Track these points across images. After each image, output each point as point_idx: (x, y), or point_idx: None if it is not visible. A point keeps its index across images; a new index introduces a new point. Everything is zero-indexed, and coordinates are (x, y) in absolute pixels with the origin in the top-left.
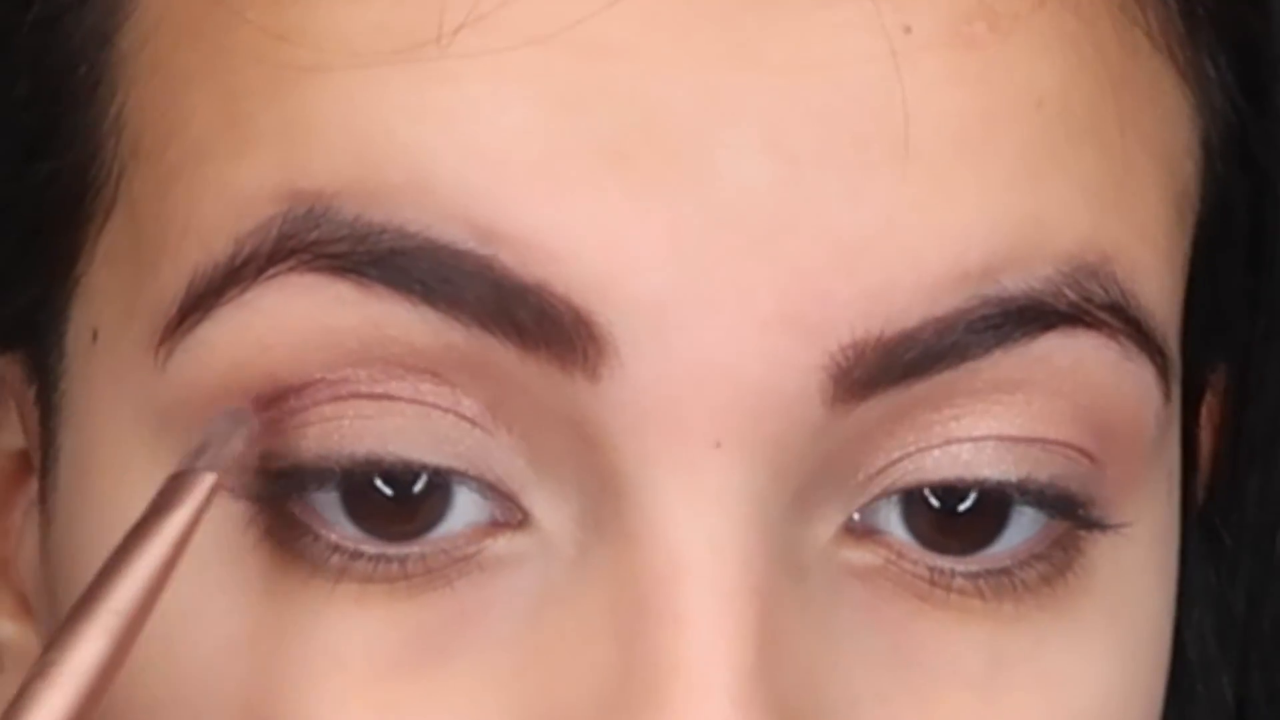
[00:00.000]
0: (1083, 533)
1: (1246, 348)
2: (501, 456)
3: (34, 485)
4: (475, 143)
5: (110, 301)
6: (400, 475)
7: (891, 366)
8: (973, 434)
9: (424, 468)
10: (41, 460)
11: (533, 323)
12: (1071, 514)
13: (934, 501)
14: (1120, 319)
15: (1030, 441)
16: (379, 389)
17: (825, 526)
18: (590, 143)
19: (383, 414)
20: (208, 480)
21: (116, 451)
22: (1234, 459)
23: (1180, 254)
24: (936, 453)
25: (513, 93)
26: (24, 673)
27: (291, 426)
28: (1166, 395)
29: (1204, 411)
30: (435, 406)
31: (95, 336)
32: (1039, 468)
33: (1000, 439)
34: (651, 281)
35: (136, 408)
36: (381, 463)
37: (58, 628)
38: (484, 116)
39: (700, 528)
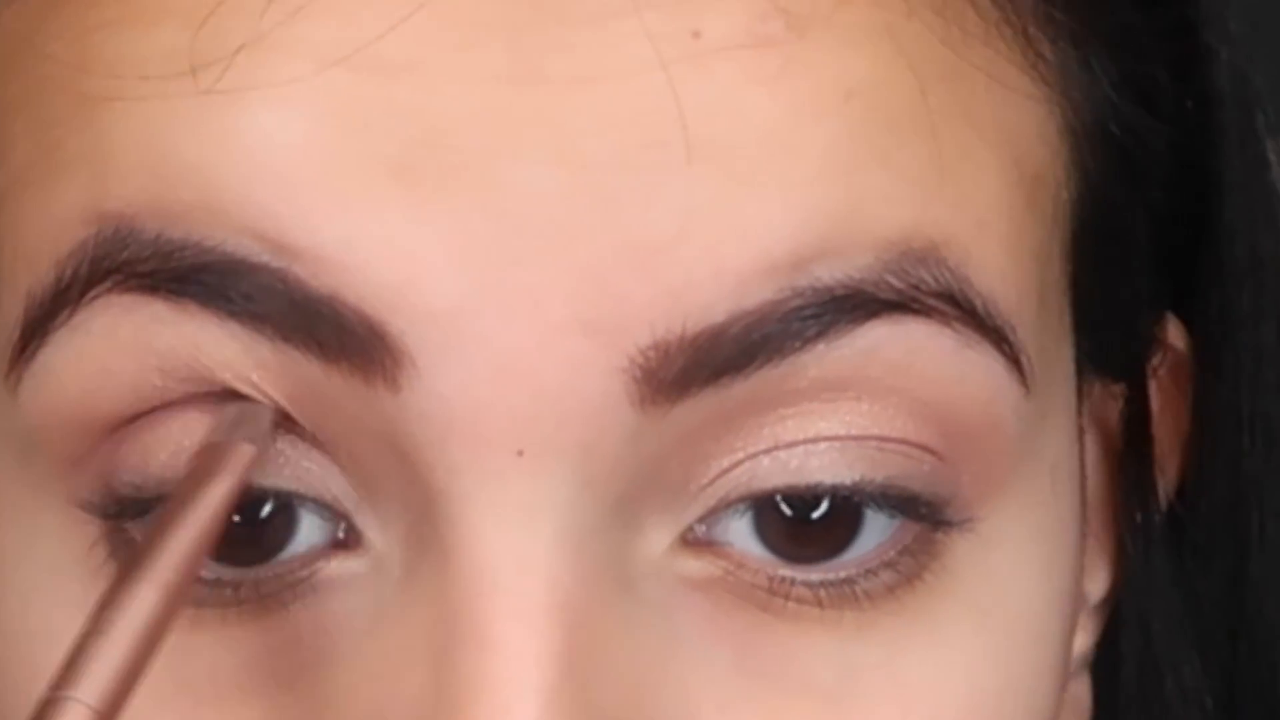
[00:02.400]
0: (939, 535)
1: (1204, 327)
2: (336, 478)
3: None
4: (258, 160)
5: None
6: (246, 499)
7: (702, 365)
8: (803, 436)
9: (265, 493)
10: None
11: (330, 334)
12: (917, 514)
13: (785, 510)
14: (954, 305)
15: (863, 440)
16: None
17: (658, 537)
18: (373, 158)
19: None
20: (248, 453)
21: None
22: (1200, 441)
23: (1032, 240)
24: (766, 460)
25: (294, 111)
26: None
27: (137, 448)
28: (1024, 385)
29: (1159, 396)
30: (276, 426)
31: None
32: (875, 469)
33: (833, 439)
34: (441, 290)
35: (3, 437)
36: None
37: (108, 589)
38: (266, 135)
39: (507, 543)
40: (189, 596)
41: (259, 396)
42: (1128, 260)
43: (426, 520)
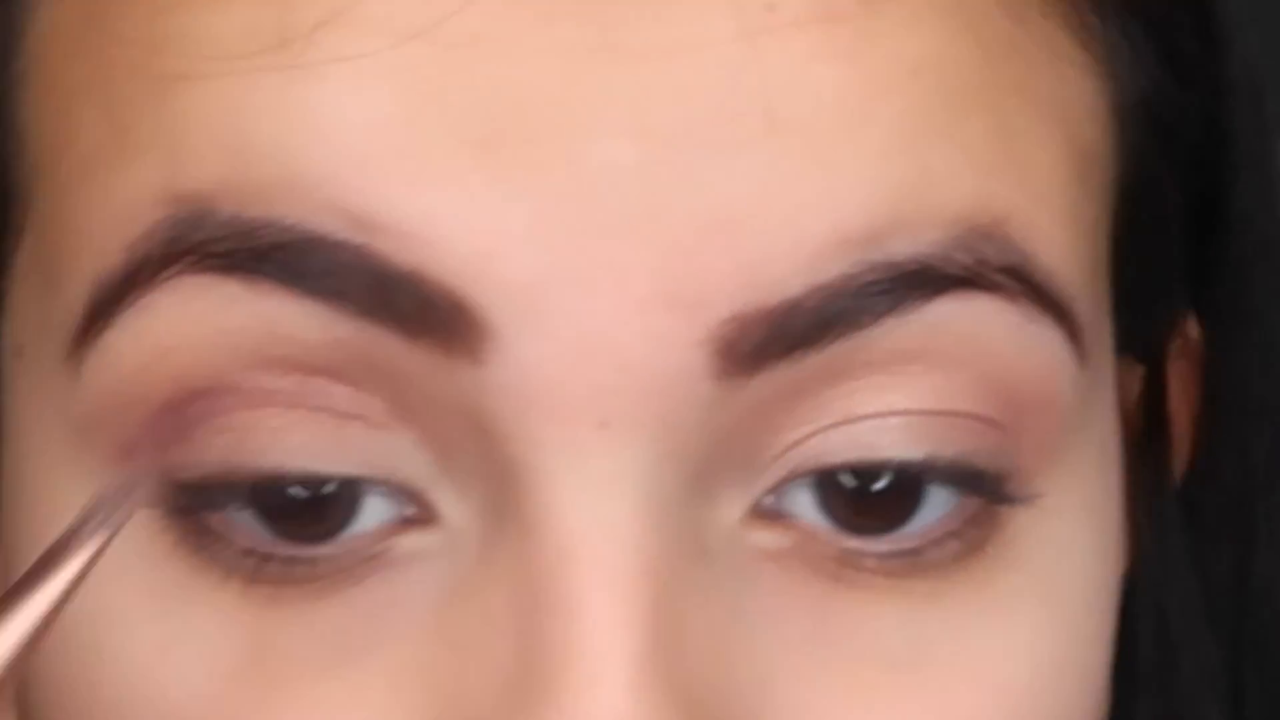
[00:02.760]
0: (1001, 508)
1: (1215, 316)
2: (408, 457)
3: None
4: (338, 136)
5: (29, 318)
6: (308, 482)
7: (778, 338)
8: (873, 409)
9: (332, 478)
10: None
11: (413, 310)
12: (981, 489)
13: (847, 482)
14: (1018, 281)
15: (933, 415)
16: (285, 397)
17: (730, 509)
18: (453, 132)
19: (291, 425)
20: (94, 543)
21: (40, 464)
22: (1210, 428)
23: (1086, 217)
24: (838, 434)
25: (374, 87)
26: None
27: (200, 436)
28: (1081, 360)
29: (1174, 382)
30: (345, 415)
31: (20, 353)
32: (944, 445)
33: (904, 414)
34: (523, 262)
35: (56, 420)
36: (288, 475)
37: None
38: (346, 111)
39: (591, 512)
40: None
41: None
42: (1164, 240)
43: (505, 493)
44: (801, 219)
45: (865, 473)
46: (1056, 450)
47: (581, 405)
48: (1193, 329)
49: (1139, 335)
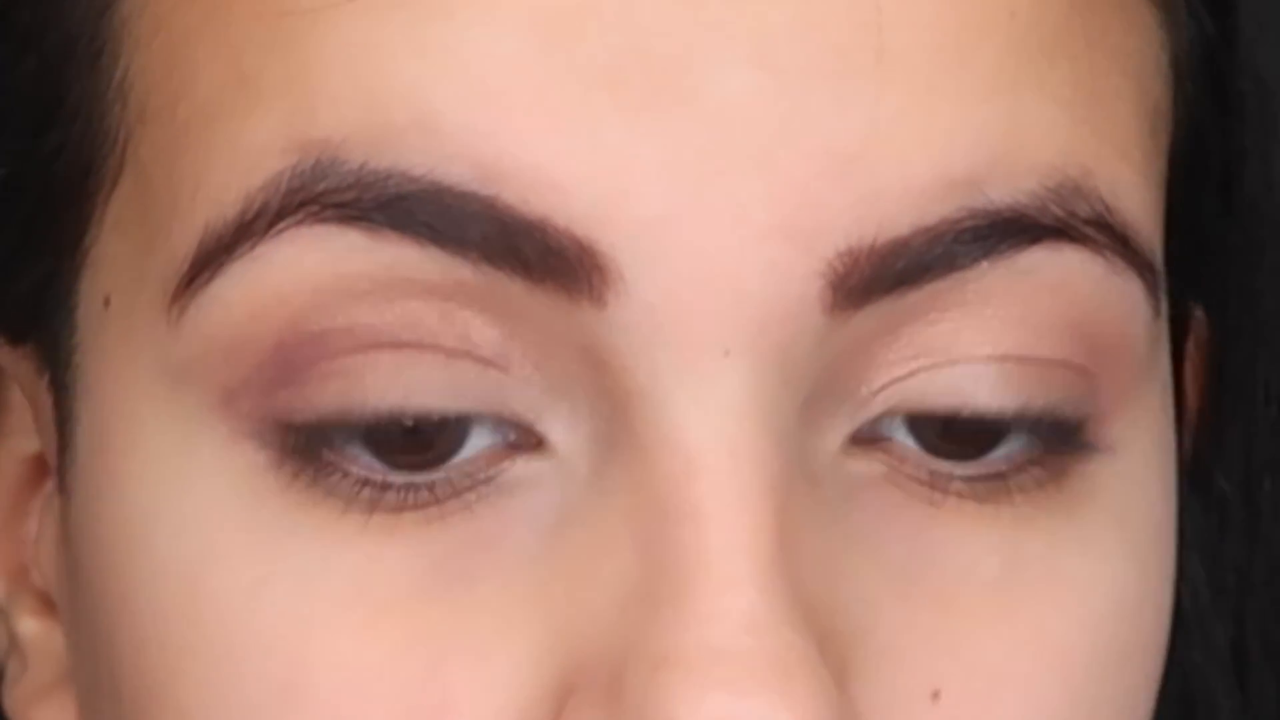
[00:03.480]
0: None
1: (1222, 294)
2: (516, 391)
3: (49, 487)
4: (474, 79)
5: (121, 267)
6: (421, 419)
7: (885, 275)
8: (968, 351)
9: (444, 414)
10: (58, 443)
11: (537, 258)
12: (1068, 439)
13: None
14: (1105, 234)
15: (1026, 362)
16: (396, 336)
17: (833, 437)
18: (583, 71)
19: (401, 365)
20: None
21: (135, 413)
22: (1216, 407)
23: (1157, 171)
24: (936, 376)
25: (506, 26)
26: (48, 670)
27: (313, 379)
28: (1155, 310)
29: (1187, 361)
30: (453, 352)
31: (107, 303)
32: (1035, 395)
33: (998, 360)
34: (651, 203)
35: (150, 368)
36: (404, 414)
37: None
38: (481, 52)
39: (714, 431)
40: None
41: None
42: (1208, 201)
43: (618, 423)
44: (910, 158)
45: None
46: (1131, 396)
47: (704, 336)
48: (1199, 314)
49: (1172, 299)
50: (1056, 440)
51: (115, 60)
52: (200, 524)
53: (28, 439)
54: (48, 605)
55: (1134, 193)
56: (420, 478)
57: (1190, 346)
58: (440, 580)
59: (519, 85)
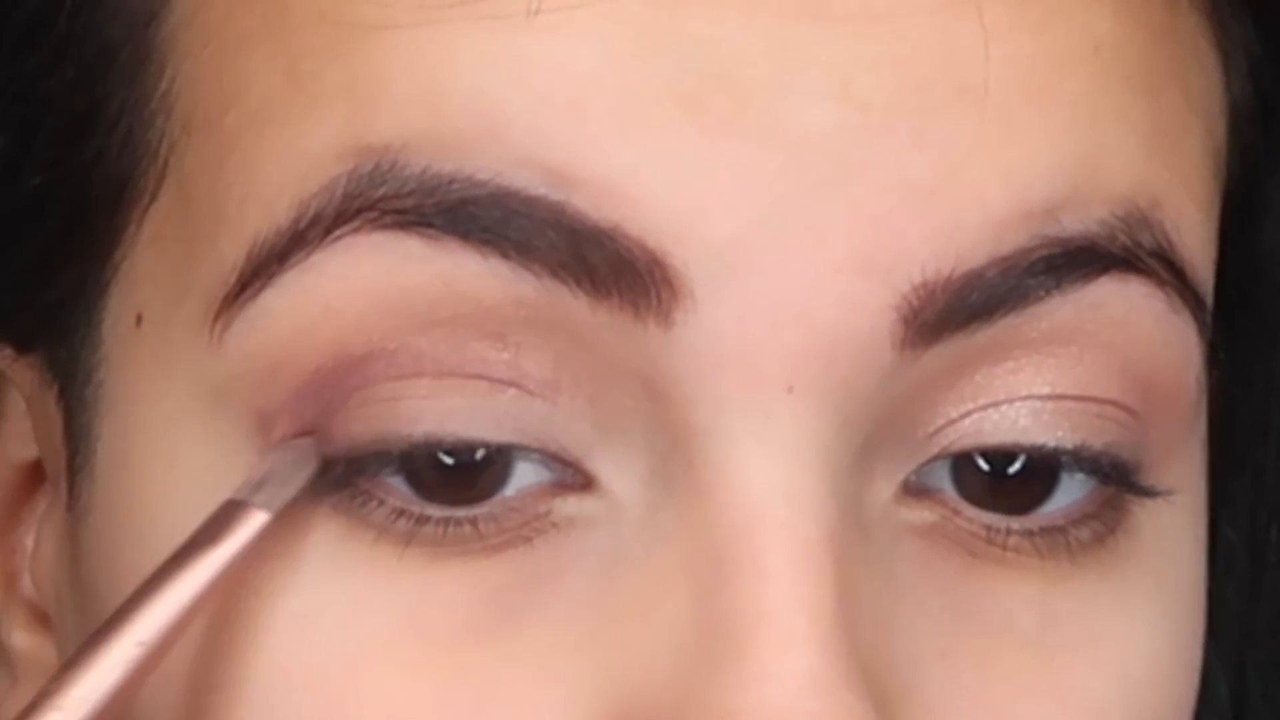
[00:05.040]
0: (1130, 497)
1: (1234, 348)
2: (565, 425)
3: (45, 497)
4: (547, 88)
5: (157, 283)
6: (460, 449)
7: (959, 308)
8: (1027, 391)
9: (484, 445)
10: (69, 460)
11: (606, 268)
12: (1123, 480)
13: (983, 465)
14: (1166, 267)
15: (1083, 401)
16: (440, 363)
17: (887, 484)
18: (663, 87)
19: (442, 393)
20: (259, 519)
21: (166, 433)
22: (1225, 457)
23: (1216, 211)
24: (995, 414)
25: (584, 39)
26: (39, 686)
27: (351, 406)
28: (1204, 355)
29: None
30: (499, 381)
31: (139, 321)
32: (1093, 435)
33: (1056, 399)
34: (726, 223)
35: (189, 387)
36: (441, 443)
37: (77, 648)
38: (556, 63)
39: (774, 477)
40: (159, 665)
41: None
42: (1255, 241)
43: (675, 461)
44: (991, 189)
45: (1001, 456)
46: (1179, 444)
47: (770, 368)
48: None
49: None
50: (1116, 484)
51: (161, 71)
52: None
53: (25, 446)
54: (40, 619)
55: (1195, 229)
56: (463, 511)
57: None
58: (490, 617)
59: (594, 96)
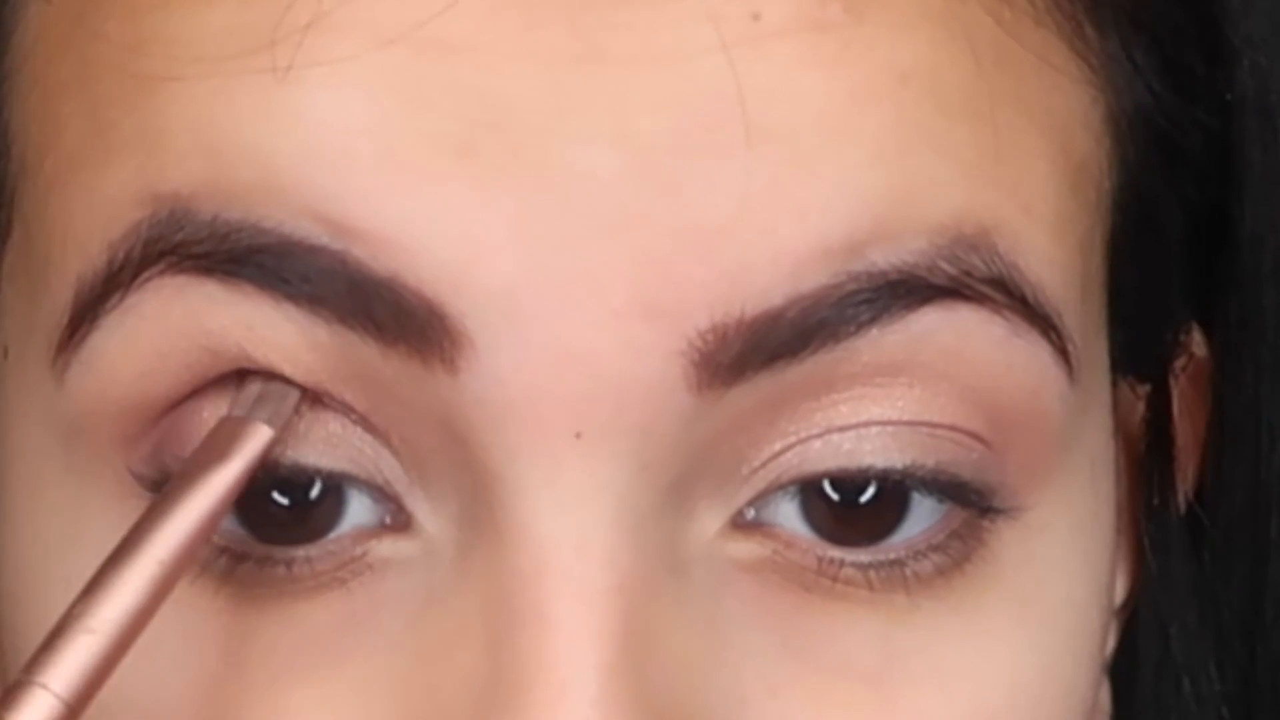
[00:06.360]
0: (985, 523)
1: (1225, 334)
2: (388, 460)
3: None
4: (317, 141)
5: (16, 318)
6: (295, 480)
7: (758, 349)
8: (854, 420)
9: (317, 472)
10: None
11: (389, 317)
12: (965, 500)
13: (832, 495)
14: (1004, 293)
15: (914, 425)
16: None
17: (709, 521)
18: (433, 137)
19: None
20: (264, 433)
21: (29, 466)
22: (1219, 447)
23: (1078, 230)
24: (817, 443)
25: (354, 91)
26: None
27: (188, 428)
28: (1070, 376)
29: (1180, 401)
30: (327, 408)
31: (6, 353)
32: (925, 453)
33: (883, 424)
34: (501, 270)
35: (43, 422)
36: (277, 468)
37: (97, 570)
38: (324, 115)
39: (564, 525)
40: (182, 578)
41: (306, 379)
42: (1162, 256)
43: (480, 502)
44: (782, 229)
45: (850, 485)
46: (1045, 468)
47: (556, 415)
48: (1199, 346)
49: (1141, 353)
50: (959, 507)
51: (1, 114)
52: (57, 584)
53: None
54: None
55: (1041, 252)
56: (282, 553)
57: (1183, 383)
58: (304, 659)
59: (364, 148)
